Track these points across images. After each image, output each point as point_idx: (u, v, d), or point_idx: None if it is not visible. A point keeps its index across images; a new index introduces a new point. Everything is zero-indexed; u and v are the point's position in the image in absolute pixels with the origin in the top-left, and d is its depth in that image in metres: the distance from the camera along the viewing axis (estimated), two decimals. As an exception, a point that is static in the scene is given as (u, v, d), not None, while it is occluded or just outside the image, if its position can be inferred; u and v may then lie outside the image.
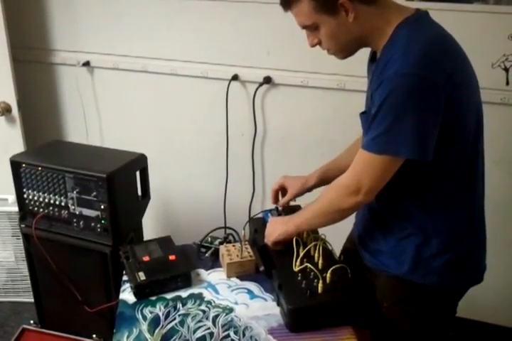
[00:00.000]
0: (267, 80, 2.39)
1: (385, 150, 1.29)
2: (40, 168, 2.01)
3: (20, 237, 2.28)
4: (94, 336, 2.08)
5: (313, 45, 1.41)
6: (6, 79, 2.44)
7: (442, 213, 1.42)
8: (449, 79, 1.24)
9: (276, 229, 1.62)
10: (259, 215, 1.87)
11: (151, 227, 2.67)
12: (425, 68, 1.22)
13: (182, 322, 1.49)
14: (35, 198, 2.08)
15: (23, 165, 2.04)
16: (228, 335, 1.45)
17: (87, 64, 2.63)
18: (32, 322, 2.29)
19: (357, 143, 1.71)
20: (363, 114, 1.45)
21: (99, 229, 2.00)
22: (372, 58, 1.45)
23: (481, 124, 1.41)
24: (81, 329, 2.13)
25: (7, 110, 2.48)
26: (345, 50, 1.41)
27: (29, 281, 2.31)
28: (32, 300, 2.35)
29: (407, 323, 1.52)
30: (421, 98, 1.23)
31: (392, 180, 1.35)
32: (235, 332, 1.46)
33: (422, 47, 1.25)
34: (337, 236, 1.72)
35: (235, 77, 2.43)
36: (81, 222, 2.03)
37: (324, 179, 1.72)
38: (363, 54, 1.48)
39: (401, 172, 1.34)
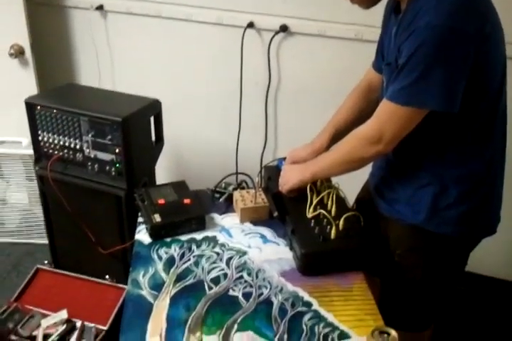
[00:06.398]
0: (283, 28, 2.36)
1: (411, 102, 1.28)
2: (55, 111, 2.01)
3: (34, 179, 2.31)
4: (107, 276, 2.13)
5: None
6: (19, 21, 2.42)
7: (460, 164, 1.42)
8: (480, 31, 1.23)
9: (291, 177, 1.63)
10: (273, 163, 1.88)
11: (164, 174, 2.69)
12: (457, 20, 1.20)
13: (196, 263, 1.53)
14: (50, 140, 2.09)
15: (38, 107, 2.04)
16: (242, 276, 1.48)
17: (100, 8, 2.59)
18: (46, 262, 2.34)
19: (356, 95, 1.70)
20: (387, 65, 1.43)
21: (113, 173, 2.02)
22: (396, 9, 1.42)
23: (505, 78, 1.39)
24: (94, 270, 2.18)
25: (20, 52, 2.47)
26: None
27: (43, 223, 2.36)
28: (45, 241, 2.40)
29: (419, 271, 1.54)
30: (452, 50, 1.22)
31: (412, 132, 1.35)
32: (249, 274, 1.49)
33: None
34: (350, 185, 1.72)
35: (251, 25, 2.39)
36: (96, 165, 2.05)
37: (337, 139, 1.68)
38: (382, 4, 1.45)
39: (422, 125, 1.34)
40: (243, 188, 1.85)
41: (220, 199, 1.82)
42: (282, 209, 1.65)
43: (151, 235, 1.62)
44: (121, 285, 2.05)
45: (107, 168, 2.02)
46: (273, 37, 2.39)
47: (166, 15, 2.52)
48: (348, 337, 1.30)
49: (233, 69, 2.50)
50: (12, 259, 2.67)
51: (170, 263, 1.53)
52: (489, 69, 1.32)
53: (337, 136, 1.68)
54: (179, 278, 1.47)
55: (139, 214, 1.73)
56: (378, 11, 1.52)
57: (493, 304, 2.52)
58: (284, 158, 1.83)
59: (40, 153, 2.14)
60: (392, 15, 1.44)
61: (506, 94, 1.43)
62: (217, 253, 1.57)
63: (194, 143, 2.80)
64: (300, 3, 2.30)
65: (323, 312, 1.37)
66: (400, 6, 1.39)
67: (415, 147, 1.44)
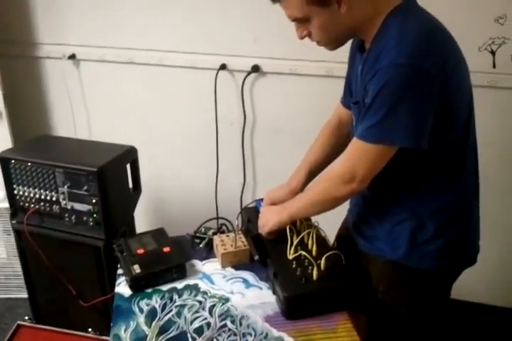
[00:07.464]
0: (255, 69, 2.39)
1: (380, 140, 1.29)
2: (29, 164, 2.00)
3: (12, 233, 2.27)
4: (89, 329, 2.08)
5: (302, 38, 1.39)
6: (-10, 74, 2.42)
7: (435, 197, 1.42)
8: (443, 68, 1.24)
9: (269, 219, 1.62)
10: (252, 204, 1.87)
11: (143, 220, 2.66)
12: (419, 58, 1.22)
13: (179, 314, 1.49)
14: (26, 194, 2.07)
15: (12, 161, 2.02)
16: (225, 325, 1.45)
17: (72, 57, 2.61)
18: (27, 318, 2.28)
19: (328, 131, 1.72)
20: (355, 104, 1.44)
21: (91, 223, 2.00)
22: (361, 48, 1.44)
23: (472, 109, 1.41)
24: (76, 324, 2.13)
25: (-7, 106, 2.46)
26: (336, 42, 1.40)
27: (22, 277, 2.30)
28: (25, 295, 2.34)
29: (403, 307, 1.53)
30: (416, 88, 1.23)
31: (385, 168, 1.36)
32: (232, 322, 1.46)
33: (415, 37, 1.24)
34: (330, 223, 1.72)
35: (223, 67, 2.42)
36: (73, 217, 2.02)
37: (313, 176, 1.70)
38: (350, 41, 1.48)
39: (393, 161, 1.34)
40: (223, 232, 1.83)
41: (201, 245, 1.80)
42: (263, 252, 1.63)
43: (131, 287, 1.59)
44: (104, 337, 2.00)
45: (85, 218, 2.00)
46: (246, 77, 2.42)
47: (138, 61, 2.54)
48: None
49: (208, 111, 2.51)
50: (-8, 315, 2.61)
51: (152, 315, 1.49)
52: (455, 104, 1.34)
53: (312, 173, 1.69)
54: (162, 330, 1.43)
55: (118, 265, 1.70)
56: (347, 48, 1.53)
57: (477, 329, 2.50)
58: (262, 199, 1.82)
59: (16, 207, 2.11)
60: (358, 54, 1.46)
61: (475, 126, 1.45)
62: (200, 302, 1.54)
63: (172, 188, 2.79)
64: (270, 43, 2.34)
65: (309, 357, 1.34)
66: (365, 44, 1.41)
67: (389, 183, 1.44)
